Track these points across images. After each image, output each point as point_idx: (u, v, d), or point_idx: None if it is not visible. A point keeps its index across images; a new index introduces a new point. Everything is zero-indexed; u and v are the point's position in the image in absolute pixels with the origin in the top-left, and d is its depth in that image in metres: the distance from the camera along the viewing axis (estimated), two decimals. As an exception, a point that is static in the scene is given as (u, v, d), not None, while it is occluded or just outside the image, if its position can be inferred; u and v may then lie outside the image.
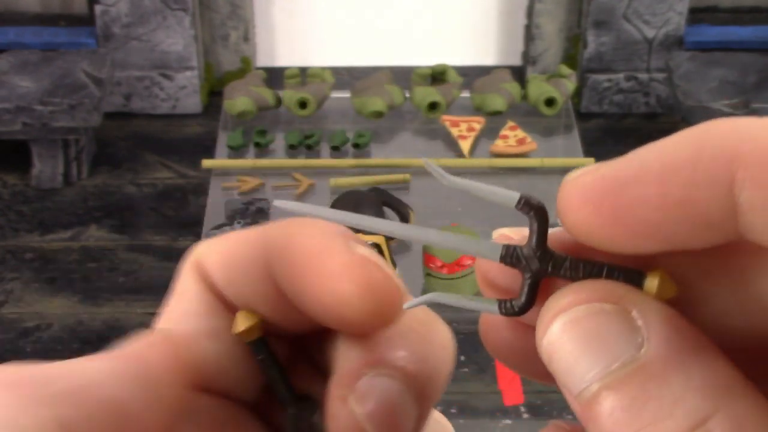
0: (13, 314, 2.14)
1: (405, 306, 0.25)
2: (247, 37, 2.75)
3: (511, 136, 1.57)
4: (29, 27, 2.71)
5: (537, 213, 0.25)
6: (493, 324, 0.26)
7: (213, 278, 0.27)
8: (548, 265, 0.25)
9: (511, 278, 0.25)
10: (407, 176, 1.52)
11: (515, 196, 0.25)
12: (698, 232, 0.22)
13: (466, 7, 2.84)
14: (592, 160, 1.57)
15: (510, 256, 0.25)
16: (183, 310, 0.28)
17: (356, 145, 1.58)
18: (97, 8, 2.60)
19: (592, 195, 0.22)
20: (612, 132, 2.66)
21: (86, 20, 2.71)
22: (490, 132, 1.61)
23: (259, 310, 0.26)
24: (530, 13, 2.75)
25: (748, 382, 0.22)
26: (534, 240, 0.25)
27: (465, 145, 1.57)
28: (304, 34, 2.87)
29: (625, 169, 0.22)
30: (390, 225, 0.25)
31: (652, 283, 0.23)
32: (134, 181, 2.51)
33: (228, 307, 0.27)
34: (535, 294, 0.25)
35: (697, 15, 2.76)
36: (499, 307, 0.25)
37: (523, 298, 0.25)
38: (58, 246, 2.31)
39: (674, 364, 0.21)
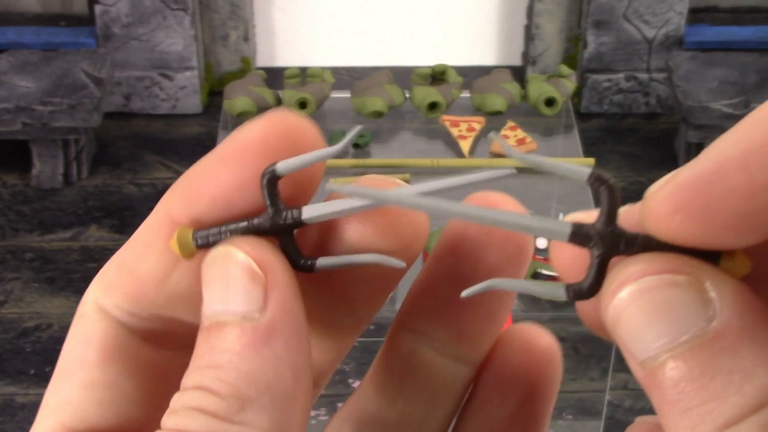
0: (13, 314, 2.14)
1: (463, 294, 0.25)
2: (247, 37, 2.75)
3: (511, 136, 1.57)
4: (29, 27, 2.71)
5: (608, 188, 0.24)
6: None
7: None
8: (620, 243, 0.23)
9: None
10: (407, 176, 1.52)
11: (586, 170, 0.24)
12: None
13: (466, 7, 2.84)
14: (592, 160, 1.57)
15: (579, 234, 0.24)
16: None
17: (356, 145, 1.58)
18: (97, 8, 2.60)
19: (680, 201, 0.22)
20: (612, 132, 2.66)
21: (86, 20, 2.71)
22: (490, 132, 1.61)
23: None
24: (530, 13, 2.75)
25: None
26: (604, 216, 0.24)
27: (465, 145, 1.57)
28: (304, 34, 2.87)
29: (706, 167, 0.22)
30: (462, 207, 0.25)
31: (728, 259, 0.23)
32: (134, 181, 2.51)
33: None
34: (604, 273, 0.23)
35: (697, 15, 2.76)
36: (567, 291, 0.24)
37: (591, 279, 0.24)
38: (58, 246, 2.31)
39: (746, 339, 0.21)
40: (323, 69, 1.68)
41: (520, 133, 1.58)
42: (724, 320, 0.21)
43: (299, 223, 0.26)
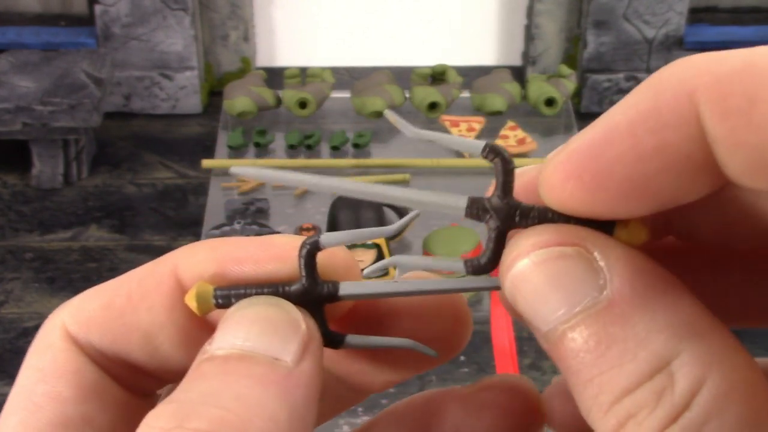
0: (13, 314, 2.14)
1: (365, 272, 0.25)
2: (247, 37, 2.75)
3: (511, 136, 1.57)
4: (29, 27, 2.71)
5: (502, 160, 0.23)
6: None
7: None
8: (515, 215, 0.23)
9: None
10: (407, 176, 1.52)
11: (480, 144, 0.23)
12: (684, 181, 0.21)
13: (466, 7, 2.84)
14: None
15: (475, 207, 0.24)
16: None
17: (356, 145, 1.58)
18: (97, 8, 2.60)
19: (571, 168, 0.22)
20: (612, 132, 2.67)
21: (86, 20, 2.72)
22: (490, 132, 1.61)
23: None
24: (530, 13, 2.75)
25: (716, 320, 0.21)
26: (500, 189, 0.23)
27: (465, 145, 1.58)
28: (304, 34, 2.87)
29: (595, 134, 0.22)
30: (346, 183, 0.24)
31: (621, 228, 0.23)
32: (134, 181, 2.51)
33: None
34: (502, 247, 0.23)
35: (697, 15, 2.76)
36: (465, 266, 0.24)
37: (489, 253, 0.23)
38: (58, 246, 2.31)
39: (637, 306, 0.21)
40: (323, 69, 1.68)
41: (520, 133, 1.58)
42: (615, 289, 0.21)
43: (334, 299, 0.25)
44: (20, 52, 2.53)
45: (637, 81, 2.70)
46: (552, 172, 0.22)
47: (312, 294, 0.25)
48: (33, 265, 2.26)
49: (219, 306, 0.25)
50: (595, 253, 0.22)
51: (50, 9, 2.75)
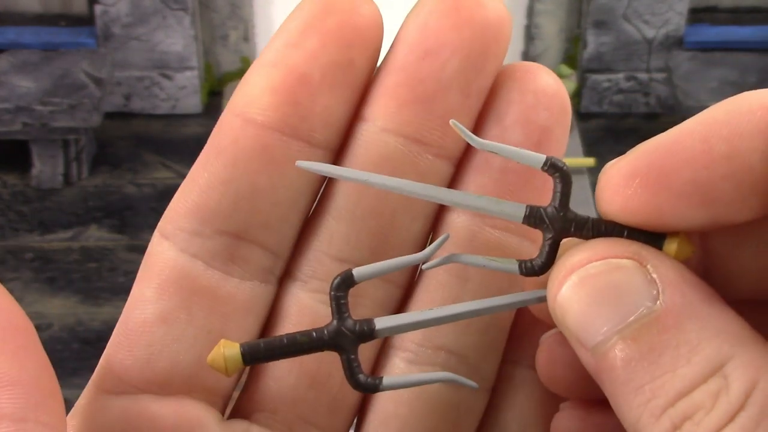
0: (13, 314, 2.14)
1: (425, 267, 0.26)
2: (247, 37, 2.75)
3: (511, 136, 1.57)
4: (29, 27, 2.71)
5: (562, 174, 0.25)
6: (551, 360, 0.27)
7: None
8: (570, 226, 0.25)
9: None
10: (407, 176, 1.53)
11: (542, 157, 0.25)
12: (743, 192, 0.22)
13: (466, 7, 2.84)
14: (592, 160, 1.57)
15: (533, 216, 0.26)
16: None
17: (356, 145, 1.58)
18: (97, 8, 2.60)
19: (639, 166, 0.23)
20: (612, 132, 2.66)
21: (86, 20, 2.71)
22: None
23: None
24: (530, 13, 2.75)
25: (756, 332, 0.23)
26: (557, 200, 0.25)
27: (465, 145, 1.57)
28: (304, 34, 2.87)
29: (666, 138, 0.23)
30: (409, 185, 0.25)
31: (671, 243, 0.24)
32: (134, 181, 2.51)
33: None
34: (555, 254, 0.25)
35: (697, 15, 2.75)
36: (519, 267, 0.26)
37: (543, 258, 0.25)
38: (58, 246, 2.31)
39: (689, 315, 0.22)
40: (323, 69, 1.68)
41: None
42: (668, 299, 0.22)
43: (371, 336, 0.25)
44: (20, 52, 2.53)
45: (637, 81, 2.70)
46: (616, 172, 0.24)
47: (346, 333, 0.25)
48: (33, 265, 2.26)
49: (249, 364, 0.26)
50: (649, 266, 0.23)
51: (50, 9, 2.75)
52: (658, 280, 0.23)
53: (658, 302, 0.22)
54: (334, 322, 0.25)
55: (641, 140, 0.24)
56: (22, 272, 2.24)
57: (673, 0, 2.62)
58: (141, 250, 2.32)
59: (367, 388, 0.25)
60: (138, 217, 2.39)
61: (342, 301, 0.25)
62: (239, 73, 2.77)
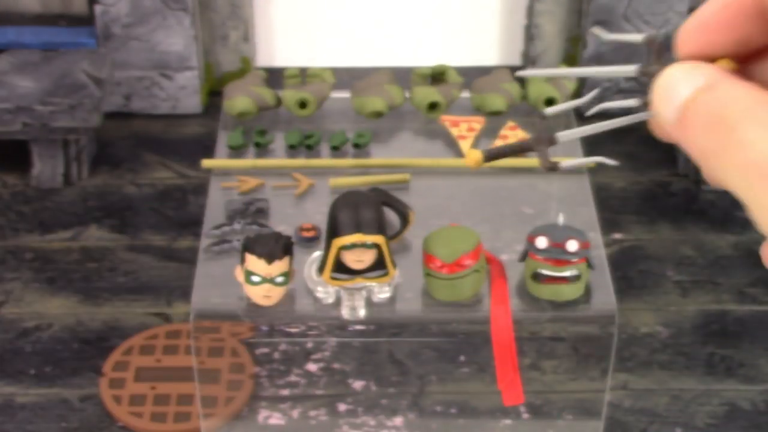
0: (13, 314, 2.14)
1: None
2: (247, 37, 2.75)
3: (511, 137, 1.57)
4: (29, 27, 2.71)
5: (660, 45, 0.40)
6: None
7: None
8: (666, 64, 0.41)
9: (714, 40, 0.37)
10: (407, 176, 1.52)
11: (639, 38, 0.42)
12: (754, 23, 0.35)
13: (466, 7, 2.84)
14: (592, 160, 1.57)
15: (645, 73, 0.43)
16: None
17: (356, 145, 1.58)
18: (97, 8, 2.60)
19: (693, 20, 0.38)
20: (612, 132, 2.66)
21: (86, 20, 2.71)
22: (490, 132, 1.61)
23: None
24: (530, 13, 2.75)
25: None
26: (658, 61, 0.41)
27: (465, 145, 1.57)
28: (304, 34, 2.87)
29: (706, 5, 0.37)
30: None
31: (720, 62, 0.36)
32: (134, 181, 2.51)
33: None
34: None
35: (697, 15, 2.75)
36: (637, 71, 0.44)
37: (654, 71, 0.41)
38: (58, 246, 2.31)
39: (731, 81, 0.34)
40: (323, 69, 1.68)
41: (520, 133, 1.58)
42: (708, 77, 0.35)
43: (555, 142, 0.42)
44: (20, 52, 2.53)
45: (637, 81, 2.70)
46: (685, 25, 0.37)
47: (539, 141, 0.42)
48: (33, 265, 2.26)
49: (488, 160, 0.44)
50: (704, 67, 0.36)
51: (50, 9, 2.75)
52: (711, 69, 0.35)
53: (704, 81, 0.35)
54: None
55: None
56: (22, 272, 2.24)
57: (673, 0, 2.62)
58: (141, 250, 2.34)
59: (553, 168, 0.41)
60: (138, 217, 2.39)
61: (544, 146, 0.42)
62: (239, 73, 2.77)
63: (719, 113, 0.31)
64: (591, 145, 2.59)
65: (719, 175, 0.32)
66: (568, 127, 1.67)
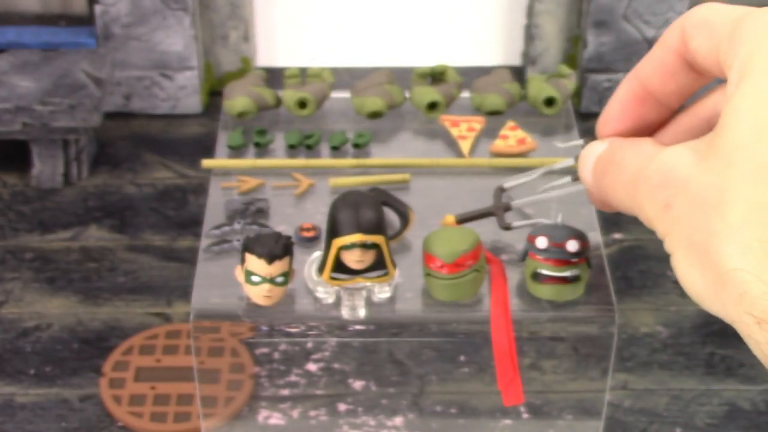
0: (13, 314, 2.14)
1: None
2: (247, 37, 2.75)
3: (511, 136, 1.57)
4: (29, 27, 2.71)
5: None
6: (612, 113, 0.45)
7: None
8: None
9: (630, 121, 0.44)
10: (407, 176, 1.52)
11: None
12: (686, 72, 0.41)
13: (466, 7, 2.84)
14: (592, 160, 1.57)
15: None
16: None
17: (356, 145, 1.58)
18: (97, 8, 2.60)
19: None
20: (612, 132, 2.66)
21: (86, 20, 2.72)
22: (490, 132, 1.61)
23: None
24: (530, 13, 2.75)
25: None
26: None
27: (465, 145, 1.57)
28: (304, 34, 2.87)
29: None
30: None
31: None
32: (134, 181, 2.51)
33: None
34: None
35: (697, 15, 2.75)
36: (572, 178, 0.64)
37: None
38: (58, 246, 2.31)
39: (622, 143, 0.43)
40: (323, 69, 1.68)
41: (520, 133, 1.58)
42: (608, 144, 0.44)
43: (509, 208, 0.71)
44: (20, 52, 2.53)
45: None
46: (599, 119, 0.46)
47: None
48: (33, 265, 2.26)
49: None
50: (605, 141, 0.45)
51: (50, 9, 2.75)
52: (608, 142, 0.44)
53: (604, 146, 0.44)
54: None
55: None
56: (22, 272, 2.24)
57: (673, 0, 2.62)
58: (141, 250, 2.34)
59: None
60: (138, 217, 2.39)
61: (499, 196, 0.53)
62: (239, 73, 2.77)
63: (610, 157, 0.42)
64: (591, 145, 2.59)
65: (622, 205, 0.40)
66: (568, 127, 1.68)
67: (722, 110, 0.36)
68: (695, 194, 0.35)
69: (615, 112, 0.44)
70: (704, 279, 0.35)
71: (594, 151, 0.43)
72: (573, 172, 1.29)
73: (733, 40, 0.37)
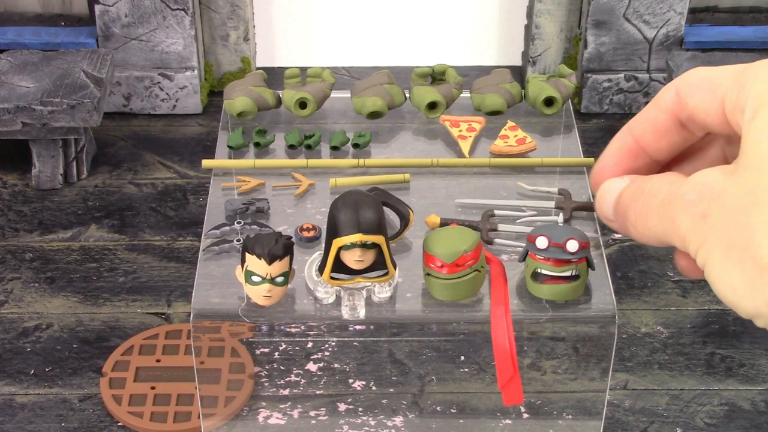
0: (13, 314, 2.14)
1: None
2: (247, 37, 2.75)
3: (511, 136, 1.57)
4: (29, 27, 2.71)
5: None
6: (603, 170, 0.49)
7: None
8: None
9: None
10: (407, 176, 1.52)
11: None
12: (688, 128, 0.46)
13: (466, 7, 2.84)
14: (591, 160, 1.57)
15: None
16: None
17: (356, 145, 1.58)
18: (97, 8, 2.60)
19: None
20: (612, 132, 2.66)
21: (86, 20, 2.71)
22: (490, 132, 1.61)
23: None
24: (530, 13, 2.75)
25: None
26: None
27: (465, 145, 1.57)
28: (304, 34, 2.87)
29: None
30: None
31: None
32: (134, 181, 2.51)
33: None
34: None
35: (697, 15, 2.75)
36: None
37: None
38: (58, 246, 2.31)
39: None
40: (323, 69, 1.68)
41: (520, 133, 1.58)
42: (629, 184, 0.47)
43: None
44: (20, 52, 2.53)
45: (637, 81, 2.70)
46: (592, 171, 0.49)
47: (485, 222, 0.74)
48: (33, 265, 2.26)
49: None
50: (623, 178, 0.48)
51: (50, 9, 2.75)
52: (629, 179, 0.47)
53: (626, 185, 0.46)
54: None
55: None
56: (22, 272, 2.24)
57: (673, 0, 2.62)
58: (141, 250, 2.33)
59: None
60: (138, 217, 2.39)
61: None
62: (239, 73, 2.77)
63: (638, 187, 0.44)
64: (590, 146, 2.59)
65: (652, 230, 0.43)
66: (568, 126, 1.68)
67: (743, 138, 0.40)
68: (731, 201, 0.39)
69: (609, 164, 0.48)
70: (743, 276, 0.38)
71: (615, 186, 0.46)
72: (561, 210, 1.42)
73: (743, 86, 0.41)
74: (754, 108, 0.40)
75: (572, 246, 1.29)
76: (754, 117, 0.40)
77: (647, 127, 0.46)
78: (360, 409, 1.86)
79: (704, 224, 0.40)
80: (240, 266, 1.30)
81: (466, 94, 1.69)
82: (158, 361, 2.00)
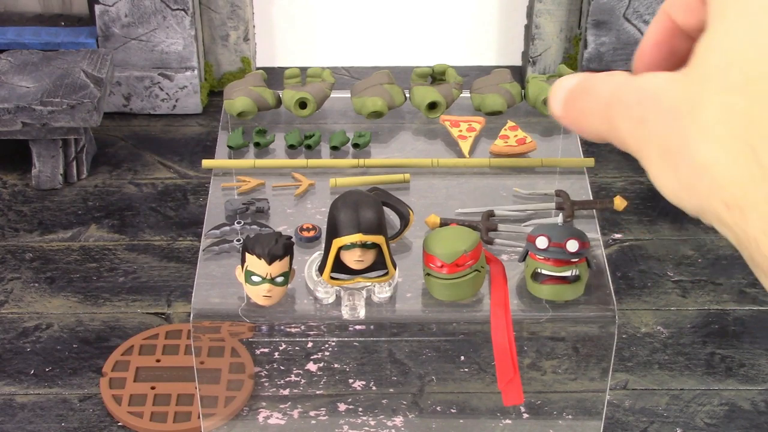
0: (13, 314, 2.14)
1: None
2: (247, 37, 2.75)
3: (511, 136, 1.57)
4: (29, 27, 2.71)
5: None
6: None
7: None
8: None
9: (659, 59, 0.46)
10: (407, 176, 1.52)
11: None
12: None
13: (466, 7, 2.84)
14: (591, 160, 1.57)
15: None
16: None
17: (356, 145, 1.58)
18: (97, 8, 2.60)
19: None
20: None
21: (86, 20, 2.71)
22: (490, 132, 1.61)
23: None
24: (530, 13, 2.75)
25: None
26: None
27: (465, 145, 1.57)
28: (304, 34, 2.87)
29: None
30: None
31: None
32: (134, 181, 2.51)
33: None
34: None
35: (697, 15, 2.75)
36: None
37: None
38: (58, 246, 2.31)
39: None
40: (323, 69, 1.68)
41: (520, 133, 1.58)
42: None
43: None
44: (20, 52, 2.53)
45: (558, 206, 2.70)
46: (637, 52, 0.48)
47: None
48: (33, 265, 2.26)
49: None
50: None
51: (50, 9, 2.75)
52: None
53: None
54: None
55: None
56: (22, 272, 2.24)
57: (673, 0, 2.62)
58: (141, 250, 2.33)
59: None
60: (138, 217, 2.39)
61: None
62: (239, 73, 2.77)
63: (582, 86, 0.43)
64: (590, 145, 2.59)
65: (594, 130, 0.43)
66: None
67: (696, 43, 0.39)
68: (669, 106, 0.39)
69: (647, 45, 0.46)
70: (678, 177, 0.39)
71: (565, 84, 0.45)
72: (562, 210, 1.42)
73: None
74: (718, 11, 0.39)
75: (572, 246, 1.29)
76: (713, 20, 0.39)
77: (678, 4, 0.44)
78: (360, 409, 1.86)
79: (642, 129, 0.40)
80: (240, 266, 1.30)
81: (466, 94, 1.69)
82: (158, 361, 2.00)
